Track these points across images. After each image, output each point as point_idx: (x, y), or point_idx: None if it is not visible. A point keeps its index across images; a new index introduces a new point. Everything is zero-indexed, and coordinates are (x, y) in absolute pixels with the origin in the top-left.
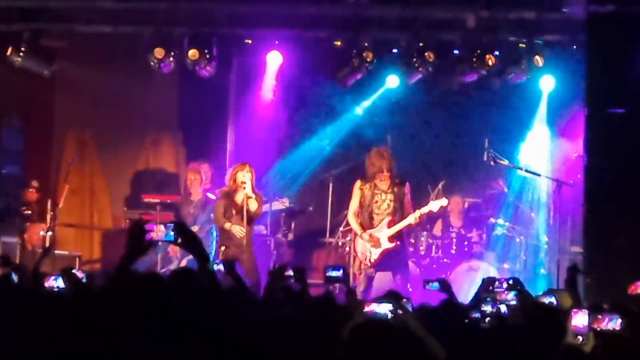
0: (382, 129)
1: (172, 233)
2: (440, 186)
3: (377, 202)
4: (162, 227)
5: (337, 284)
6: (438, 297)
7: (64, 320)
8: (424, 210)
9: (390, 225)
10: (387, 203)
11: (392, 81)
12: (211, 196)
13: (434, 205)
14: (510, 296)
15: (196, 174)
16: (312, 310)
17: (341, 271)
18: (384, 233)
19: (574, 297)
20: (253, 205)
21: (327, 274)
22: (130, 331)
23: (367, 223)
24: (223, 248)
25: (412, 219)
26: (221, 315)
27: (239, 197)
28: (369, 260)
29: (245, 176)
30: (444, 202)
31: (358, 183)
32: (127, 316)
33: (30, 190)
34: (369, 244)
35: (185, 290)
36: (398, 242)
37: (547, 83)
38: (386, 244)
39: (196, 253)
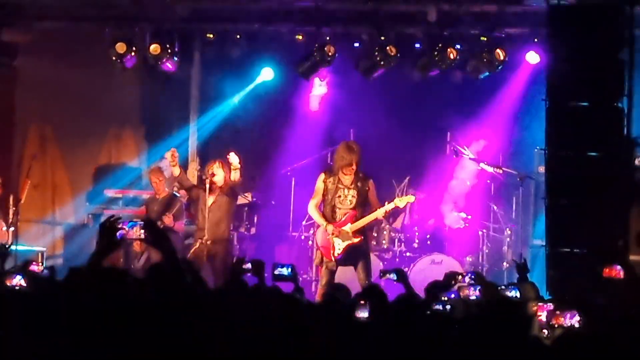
0: (344, 123)
1: (142, 231)
2: (406, 181)
3: (340, 196)
4: (131, 224)
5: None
6: (396, 287)
7: (27, 318)
8: (390, 206)
9: (353, 220)
10: (350, 199)
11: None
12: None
13: (399, 202)
14: (473, 291)
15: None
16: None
17: (290, 269)
18: (347, 228)
19: (536, 289)
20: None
21: (274, 272)
22: (96, 327)
23: (329, 217)
24: (198, 243)
25: (379, 213)
26: (185, 309)
27: (202, 190)
28: (333, 254)
29: (214, 170)
30: (410, 198)
31: (322, 176)
32: (92, 311)
33: None
34: (333, 237)
35: (152, 286)
36: (362, 237)
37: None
38: (350, 239)
39: (164, 250)
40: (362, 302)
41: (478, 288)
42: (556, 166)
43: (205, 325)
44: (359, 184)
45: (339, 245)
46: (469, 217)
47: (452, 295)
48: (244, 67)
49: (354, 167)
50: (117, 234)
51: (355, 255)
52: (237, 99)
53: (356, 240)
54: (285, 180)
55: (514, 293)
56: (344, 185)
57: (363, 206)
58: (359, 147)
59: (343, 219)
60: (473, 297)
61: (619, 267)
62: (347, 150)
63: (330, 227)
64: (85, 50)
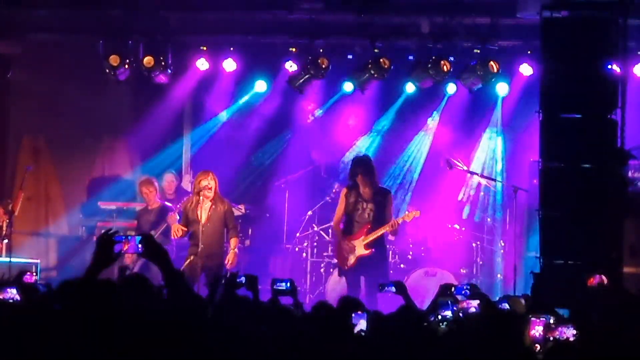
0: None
1: (139, 245)
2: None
3: (358, 210)
4: (129, 238)
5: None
6: (396, 300)
7: (19, 331)
8: (397, 221)
9: (366, 233)
10: (368, 212)
11: (347, 87)
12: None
13: (407, 217)
14: (473, 304)
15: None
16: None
17: (288, 284)
18: (359, 240)
19: (530, 304)
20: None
21: (274, 287)
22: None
23: (349, 230)
24: (192, 257)
25: (387, 227)
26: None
27: (194, 204)
28: (346, 265)
29: (208, 182)
30: (417, 213)
31: (344, 190)
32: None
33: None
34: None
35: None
36: (372, 250)
37: (501, 88)
38: (361, 251)
39: (162, 264)
40: (359, 312)
41: (477, 302)
42: (550, 178)
43: (201, 339)
44: (377, 197)
45: (352, 258)
46: (463, 228)
47: (449, 310)
48: (237, 80)
49: (364, 177)
50: (115, 247)
51: (365, 268)
52: (230, 112)
53: (366, 252)
54: (279, 192)
55: (505, 306)
56: (363, 198)
57: (379, 220)
58: (369, 158)
59: (358, 232)
60: (472, 310)
61: (602, 276)
62: (355, 164)
63: (344, 243)
64: (79, 62)
